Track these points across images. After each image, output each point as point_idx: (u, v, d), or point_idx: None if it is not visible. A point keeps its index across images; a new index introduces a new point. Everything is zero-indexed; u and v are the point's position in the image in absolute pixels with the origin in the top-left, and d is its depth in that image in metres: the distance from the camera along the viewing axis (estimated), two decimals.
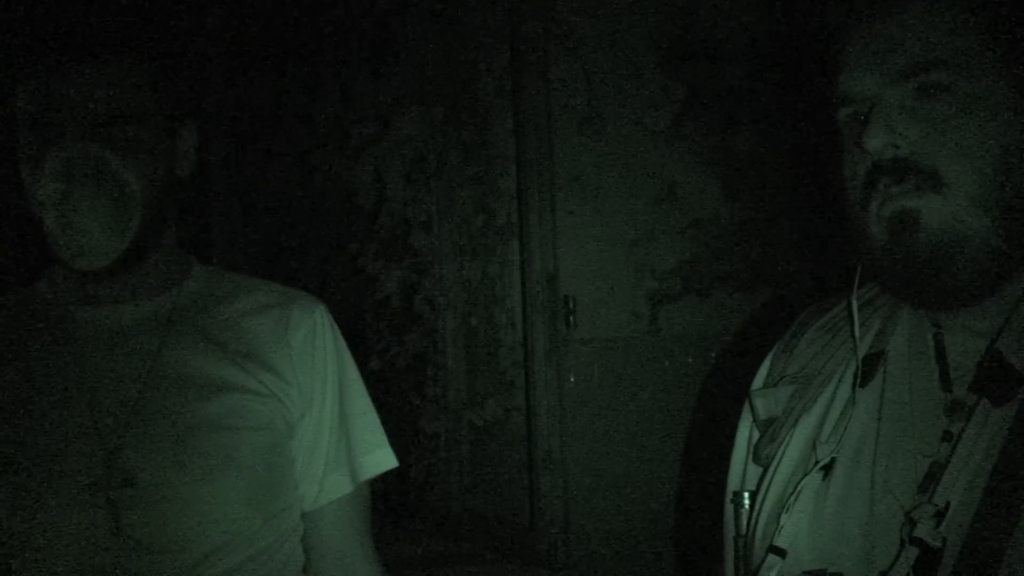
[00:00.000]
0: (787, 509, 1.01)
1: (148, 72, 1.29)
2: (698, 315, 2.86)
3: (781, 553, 0.99)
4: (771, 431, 1.09)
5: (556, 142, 2.77)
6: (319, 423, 1.39)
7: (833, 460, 1.00)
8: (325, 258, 3.48)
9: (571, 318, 2.75)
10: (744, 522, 1.08)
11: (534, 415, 2.78)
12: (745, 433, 1.17)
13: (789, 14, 2.80)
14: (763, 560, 1.00)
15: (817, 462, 1.01)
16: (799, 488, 1.01)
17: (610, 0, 2.81)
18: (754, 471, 1.12)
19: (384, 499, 3.12)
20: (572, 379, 2.76)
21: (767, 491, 1.06)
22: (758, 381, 1.17)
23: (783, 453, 1.06)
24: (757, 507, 1.06)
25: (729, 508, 1.14)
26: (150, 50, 1.31)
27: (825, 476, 1.00)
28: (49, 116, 1.24)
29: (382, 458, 1.46)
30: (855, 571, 0.94)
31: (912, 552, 0.89)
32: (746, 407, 1.17)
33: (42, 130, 1.24)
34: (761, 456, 1.09)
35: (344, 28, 3.38)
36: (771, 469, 1.07)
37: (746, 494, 1.09)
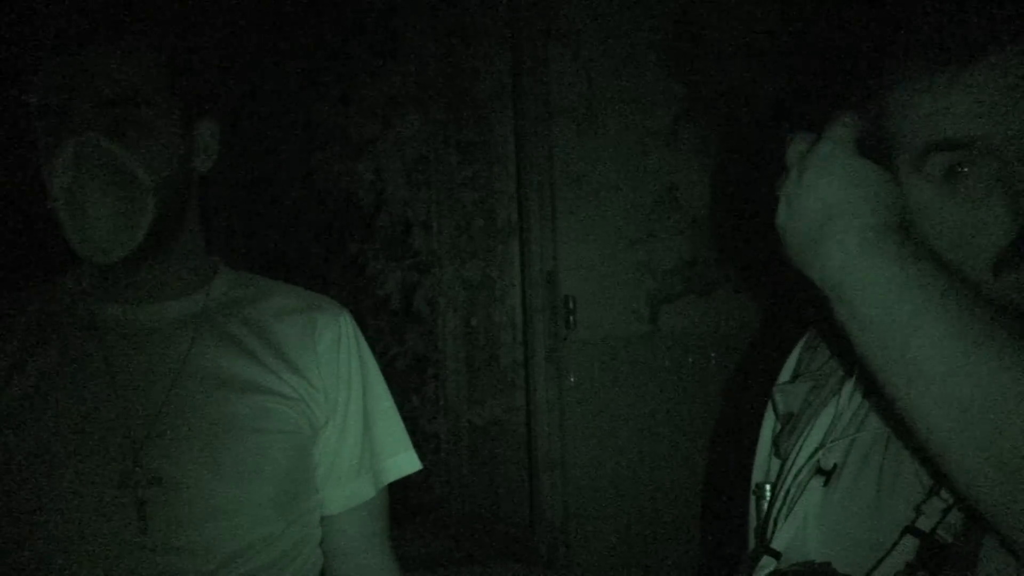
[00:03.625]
0: (787, 511, 1.01)
1: (160, 57, 1.28)
2: (698, 315, 2.86)
3: (776, 556, 1.00)
4: (789, 426, 1.09)
5: (556, 142, 2.77)
6: (343, 428, 1.39)
7: (835, 466, 1.01)
8: (325, 258, 3.48)
9: (571, 318, 2.75)
10: (763, 513, 1.09)
11: (534, 415, 2.78)
12: (769, 428, 1.18)
13: (789, 14, 2.80)
14: (759, 559, 1.01)
15: (819, 468, 1.02)
16: (803, 489, 1.01)
17: (610, 0, 2.80)
18: (776, 464, 1.13)
19: None
20: (572, 379, 2.76)
21: (783, 485, 1.07)
22: (783, 376, 1.18)
23: (800, 448, 1.07)
24: (776, 500, 1.07)
25: (752, 499, 1.15)
26: (163, 36, 1.29)
27: (825, 483, 1.01)
28: (58, 101, 1.22)
29: (405, 461, 1.46)
30: (855, 566, 0.94)
31: (911, 542, 0.89)
32: (770, 402, 1.18)
33: (52, 118, 1.23)
34: (780, 450, 1.10)
35: (344, 28, 3.38)
36: (788, 463, 1.08)
37: (767, 486, 1.10)
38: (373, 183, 3.35)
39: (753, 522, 1.12)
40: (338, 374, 1.38)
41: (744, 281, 2.89)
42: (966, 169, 0.90)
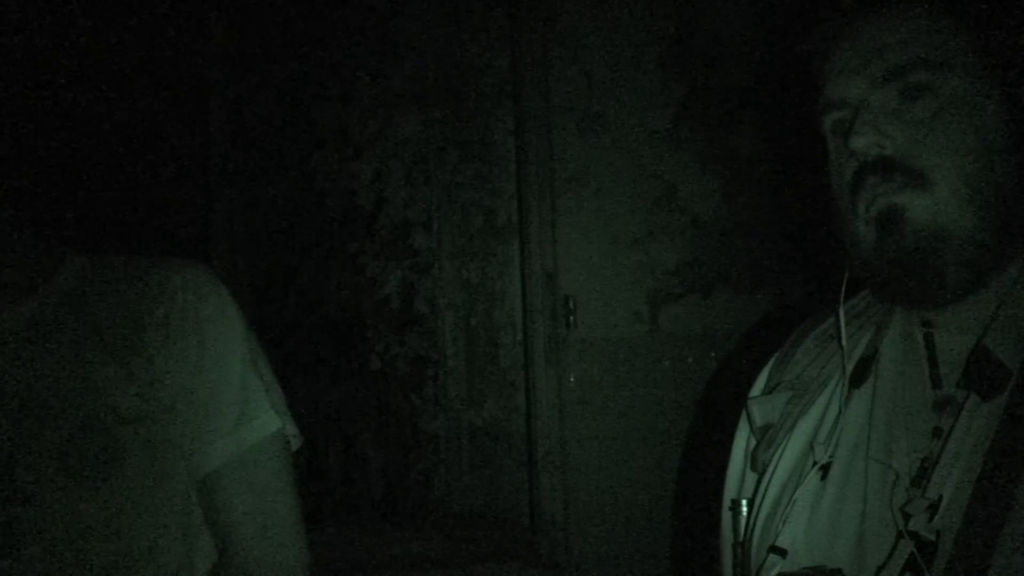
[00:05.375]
0: (788, 509, 1.01)
1: None
2: (698, 315, 2.86)
3: (782, 553, 1.00)
4: (767, 437, 1.09)
5: (556, 142, 2.77)
6: (194, 394, 1.32)
7: (830, 461, 1.01)
8: (325, 258, 3.48)
9: (571, 318, 2.75)
10: (742, 528, 1.09)
11: (534, 415, 2.78)
12: (742, 443, 1.18)
13: (789, 14, 2.80)
14: (764, 561, 1.01)
15: (815, 463, 1.02)
16: (798, 490, 1.02)
17: (610, 0, 2.80)
18: (752, 478, 1.13)
19: (384, 499, 3.12)
20: (572, 379, 2.76)
21: (764, 496, 1.06)
22: (756, 390, 1.18)
23: (779, 457, 1.07)
24: (754, 512, 1.07)
25: (727, 516, 1.15)
26: None
27: (823, 477, 1.01)
28: None
29: (263, 423, 1.35)
30: (851, 566, 0.94)
31: (907, 545, 0.89)
32: (742, 416, 1.18)
33: None
34: (758, 462, 1.10)
35: (344, 28, 3.38)
36: (767, 474, 1.08)
37: (744, 501, 1.10)
38: (373, 183, 3.35)
39: (730, 538, 1.12)
40: (182, 341, 1.31)
41: (744, 281, 2.88)
42: (847, 124, 0.98)
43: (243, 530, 1.34)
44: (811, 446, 1.04)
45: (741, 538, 1.09)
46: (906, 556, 0.90)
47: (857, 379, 1.04)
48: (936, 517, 0.90)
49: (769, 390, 1.15)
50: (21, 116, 1.31)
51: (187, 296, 1.33)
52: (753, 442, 1.13)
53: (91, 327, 1.30)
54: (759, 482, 1.09)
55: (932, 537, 0.89)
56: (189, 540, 1.33)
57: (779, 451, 1.07)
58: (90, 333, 1.30)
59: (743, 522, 1.09)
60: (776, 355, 1.18)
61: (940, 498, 0.90)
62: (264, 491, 1.35)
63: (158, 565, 1.28)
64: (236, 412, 1.34)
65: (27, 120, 1.32)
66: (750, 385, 1.20)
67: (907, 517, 0.91)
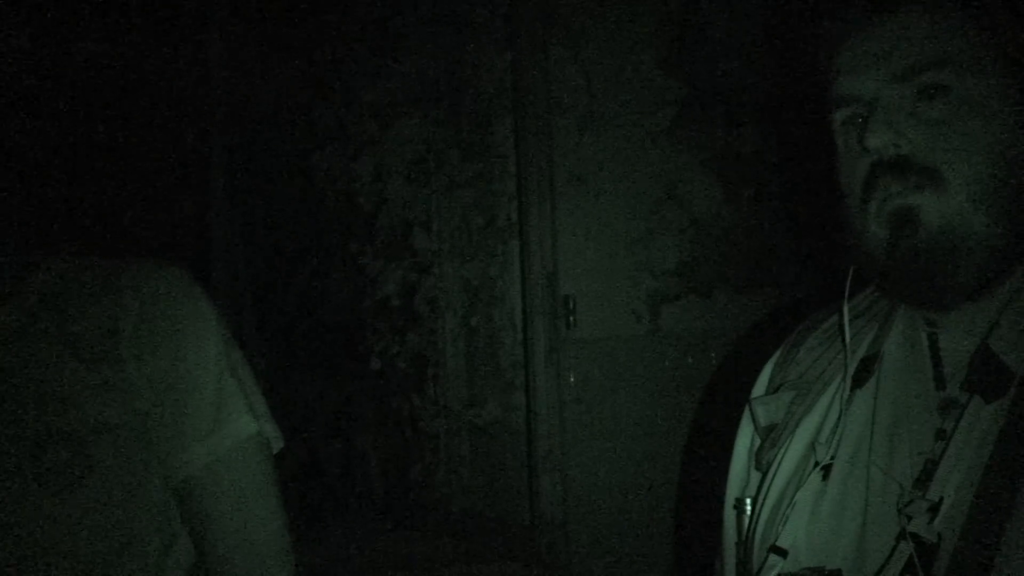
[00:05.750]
0: (789, 510, 1.01)
1: None
2: (698, 315, 2.86)
3: (783, 553, 1.00)
4: (772, 437, 1.09)
5: (556, 142, 2.77)
6: (169, 399, 1.31)
7: (831, 461, 1.01)
8: (325, 258, 3.48)
9: (571, 318, 2.75)
10: (746, 527, 1.09)
11: (534, 415, 2.78)
12: (745, 442, 1.18)
13: (789, 13, 2.80)
14: (764, 561, 1.01)
15: (817, 463, 1.02)
16: (799, 490, 1.01)
17: (610, 0, 2.81)
18: (756, 477, 1.13)
19: (384, 499, 3.12)
20: (572, 379, 2.76)
21: (767, 495, 1.06)
22: (758, 389, 1.18)
23: (783, 457, 1.07)
24: (757, 511, 1.07)
25: (730, 514, 1.15)
26: None
27: (824, 477, 1.01)
28: None
29: (240, 426, 1.34)
30: (852, 567, 0.94)
31: (907, 547, 0.89)
32: (745, 415, 1.17)
33: None
34: (762, 462, 1.10)
35: (344, 28, 3.38)
36: (771, 473, 1.07)
37: (748, 500, 1.10)
38: (373, 183, 3.35)
39: (734, 537, 1.12)
40: (155, 348, 1.29)
41: (744, 281, 2.89)
42: (860, 120, 0.99)
43: (222, 534, 1.33)
44: (813, 446, 1.04)
45: (744, 537, 1.09)
46: (906, 558, 0.90)
47: (859, 379, 1.04)
48: (937, 519, 0.89)
49: (772, 389, 1.15)
50: (7, 116, 1.30)
51: (160, 299, 1.31)
52: (757, 441, 1.13)
53: (64, 333, 1.29)
54: (762, 481, 1.09)
55: (933, 539, 0.89)
56: (164, 545, 1.32)
57: (783, 450, 1.07)
58: (63, 339, 1.29)
59: (746, 520, 1.09)
60: (778, 353, 1.18)
61: (941, 500, 0.90)
62: (243, 494, 1.34)
63: (131, 570, 1.27)
64: (212, 416, 1.33)
65: (12, 120, 1.30)
66: (751, 385, 1.20)
67: (908, 519, 0.91)
